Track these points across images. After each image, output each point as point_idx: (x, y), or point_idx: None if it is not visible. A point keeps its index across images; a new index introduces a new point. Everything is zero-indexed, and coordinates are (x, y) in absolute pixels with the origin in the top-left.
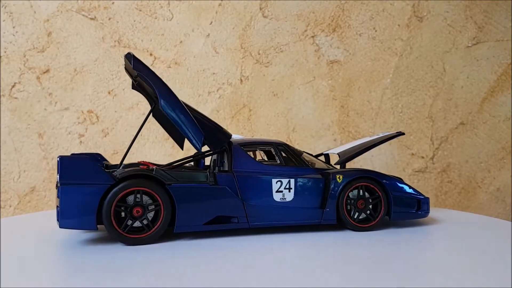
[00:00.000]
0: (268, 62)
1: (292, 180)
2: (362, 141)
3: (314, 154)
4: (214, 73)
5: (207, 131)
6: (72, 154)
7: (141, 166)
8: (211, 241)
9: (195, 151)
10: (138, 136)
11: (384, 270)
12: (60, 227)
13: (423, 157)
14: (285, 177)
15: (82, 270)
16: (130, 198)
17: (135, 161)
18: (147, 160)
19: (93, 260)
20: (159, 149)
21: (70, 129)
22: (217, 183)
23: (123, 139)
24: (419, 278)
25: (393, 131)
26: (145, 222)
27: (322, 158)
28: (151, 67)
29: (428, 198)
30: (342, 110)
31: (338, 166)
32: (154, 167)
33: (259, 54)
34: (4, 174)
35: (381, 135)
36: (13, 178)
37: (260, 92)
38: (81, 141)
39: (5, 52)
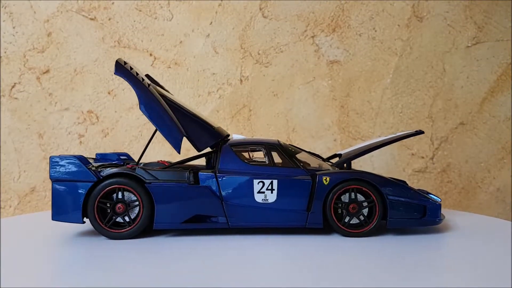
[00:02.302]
0: (268, 62)
1: (275, 181)
2: (376, 140)
3: (316, 153)
4: (214, 73)
5: (195, 131)
6: (97, 154)
7: (131, 165)
8: (189, 238)
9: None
10: (139, 136)
11: (376, 271)
12: (52, 219)
13: (423, 157)
14: (268, 178)
15: (82, 269)
16: (119, 195)
17: (155, 160)
18: (165, 159)
19: (92, 259)
20: (159, 149)
21: (70, 129)
22: (198, 183)
23: (123, 139)
24: (418, 277)
25: (412, 130)
26: (126, 218)
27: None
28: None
29: (437, 204)
30: (342, 110)
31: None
32: (167, 163)
33: (259, 54)
34: (4, 174)
35: (399, 134)
36: (13, 178)
37: (260, 92)
38: (81, 141)
39: (5, 52)
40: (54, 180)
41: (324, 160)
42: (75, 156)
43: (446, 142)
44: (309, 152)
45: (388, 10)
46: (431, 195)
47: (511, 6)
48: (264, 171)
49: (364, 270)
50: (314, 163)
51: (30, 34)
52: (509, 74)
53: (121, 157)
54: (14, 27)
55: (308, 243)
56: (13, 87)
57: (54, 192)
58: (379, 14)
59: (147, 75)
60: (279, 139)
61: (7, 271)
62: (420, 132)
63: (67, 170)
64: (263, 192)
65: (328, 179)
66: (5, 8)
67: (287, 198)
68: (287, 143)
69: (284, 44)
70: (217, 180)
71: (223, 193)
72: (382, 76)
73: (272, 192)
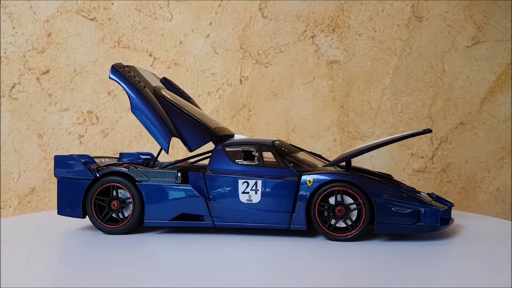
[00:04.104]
0: (267, 63)
1: (259, 182)
2: (382, 140)
3: (318, 154)
4: (213, 74)
5: (188, 132)
6: (121, 153)
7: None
8: (177, 236)
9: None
10: (139, 136)
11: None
12: (57, 214)
13: (422, 157)
14: (253, 178)
15: (82, 269)
16: (114, 193)
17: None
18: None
19: (92, 260)
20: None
21: (70, 129)
22: (188, 182)
23: (123, 139)
24: (417, 277)
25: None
26: (120, 215)
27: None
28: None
29: (436, 209)
30: (341, 110)
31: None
32: (183, 164)
33: (258, 54)
34: (4, 174)
35: (405, 133)
36: (13, 179)
37: (259, 92)
38: (81, 142)
39: (5, 53)
40: (59, 178)
41: (329, 161)
42: (78, 155)
43: (445, 142)
44: (310, 153)
45: (388, 10)
46: (442, 200)
47: (510, 6)
48: (251, 171)
49: (349, 271)
50: (315, 164)
51: (30, 35)
52: (509, 74)
53: (143, 156)
54: (13, 28)
55: (292, 244)
56: (13, 87)
57: (59, 189)
58: (379, 14)
59: (164, 78)
60: (282, 139)
61: (7, 271)
62: (428, 131)
63: (69, 168)
64: (248, 193)
65: (312, 180)
66: (4, 8)
67: (271, 199)
68: (287, 143)
69: (283, 44)
70: (204, 180)
71: (210, 193)
72: (381, 76)
73: (256, 193)
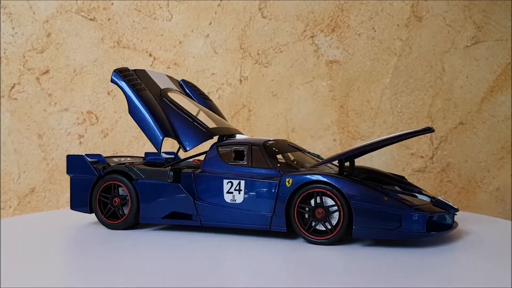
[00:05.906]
0: (267, 62)
1: (242, 182)
2: (382, 139)
3: (316, 154)
4: (213, 74)
5: (184, 132)
6: (146, 153)
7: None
8: (169, 234)
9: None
10: (139, 137)
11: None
12: (70, 209)
13: (422, 157)
14: (237, 178)
15: (82, 270)
16: (115, 190)
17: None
18: (197, 158)
19: (91, 260)
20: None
21: (69, 130)
22: (179, 181)
23: (122, 139)
24: (416, 277)
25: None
26: (120, 211)
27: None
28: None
29: (422, 214)
30: (341, 110)
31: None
32: (198, 162)
33: (258, 54)
34: (4, 175)
35: (407, 131)
36: (13, 179)
37: (259, 92)
38: (80, 142)
39: (4, 53)
40: (71, 176)
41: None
42: (89, 155)
43: (445, 142)
44: (309, 153)
45: (387, 10)
46: (445, 205)
47: (510, 6)
48: (238, 171)
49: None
50: (311, 164)
51: (30, 35)
52: (509, 74)
53: (167, 156)
54: (13, 28)
55: (275, 243)
56: (12, 87)
57: (71, 186)
58: (378, 14)
59: (182, 80)
60: (285, 139)
61: (7, 271)
62: (429, 129)
63: (78, 167)
64: (232, 193)
65: (291, 181)
66: (4, 8)
67: (253, 199)
68: (286, 143)
69: (283, 44)
70: (193, 179)
71: (197, 192)
72: (381, 76)
73: (239, 193)
